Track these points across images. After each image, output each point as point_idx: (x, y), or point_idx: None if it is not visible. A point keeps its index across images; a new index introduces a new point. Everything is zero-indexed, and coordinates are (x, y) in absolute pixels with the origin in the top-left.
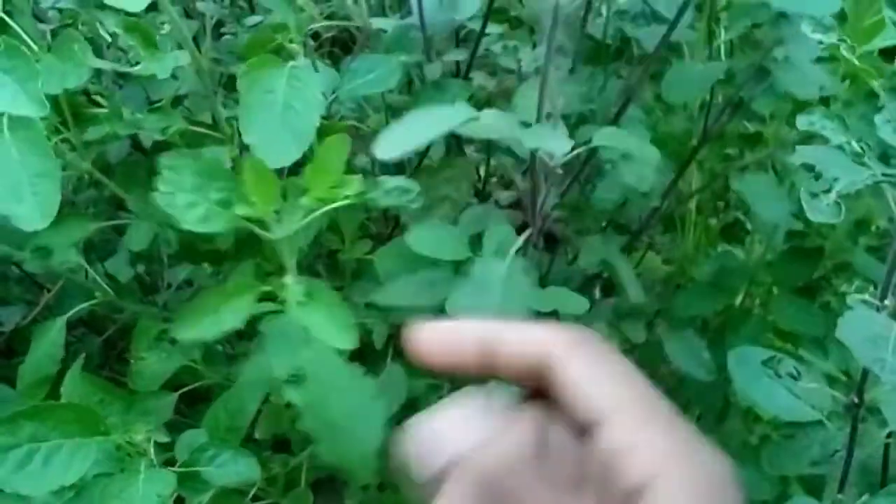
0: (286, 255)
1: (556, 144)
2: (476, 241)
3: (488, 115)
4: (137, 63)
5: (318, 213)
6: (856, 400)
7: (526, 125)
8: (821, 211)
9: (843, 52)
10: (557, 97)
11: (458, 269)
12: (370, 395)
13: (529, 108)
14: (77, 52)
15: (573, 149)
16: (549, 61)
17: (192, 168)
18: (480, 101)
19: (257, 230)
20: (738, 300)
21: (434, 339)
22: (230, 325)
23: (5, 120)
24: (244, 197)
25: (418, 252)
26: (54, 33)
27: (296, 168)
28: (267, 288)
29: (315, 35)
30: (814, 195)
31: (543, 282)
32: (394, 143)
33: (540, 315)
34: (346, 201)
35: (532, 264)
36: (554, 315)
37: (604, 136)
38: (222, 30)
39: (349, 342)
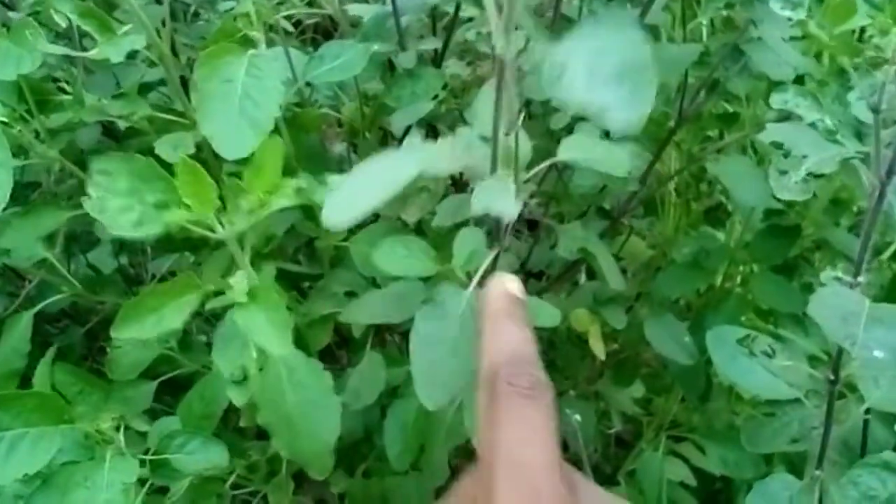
0: (236, 253)
1: (504, 205)
2: (451, 237)
3: (442, 147)
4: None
5: (262, 214)
6: (831, 377)
7: (484, 139)
8: (789, 189)
9: (813, 28)
10: (516, 104)
11: (427, 280)
12: (327, 390)
13: (487, 119)
14: (28, 38)
15: (540, 163)
16: (503, 72)
17: (126, 171)
18: (455, 90)
19: (201, 231)
20: (719, 280)
21: None
22: (172, 325)
23: None
24: (179, 200)
25: (385, 271)
26: None
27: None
28: (211, 287)
29: (297, 22)
30: (783, 172)
31: (525, 268)
32: (343, 208)
33: None
34: (285, 204)
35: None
36: None
37: (569, 148)
38: (200, 16)
39: (284, 346)
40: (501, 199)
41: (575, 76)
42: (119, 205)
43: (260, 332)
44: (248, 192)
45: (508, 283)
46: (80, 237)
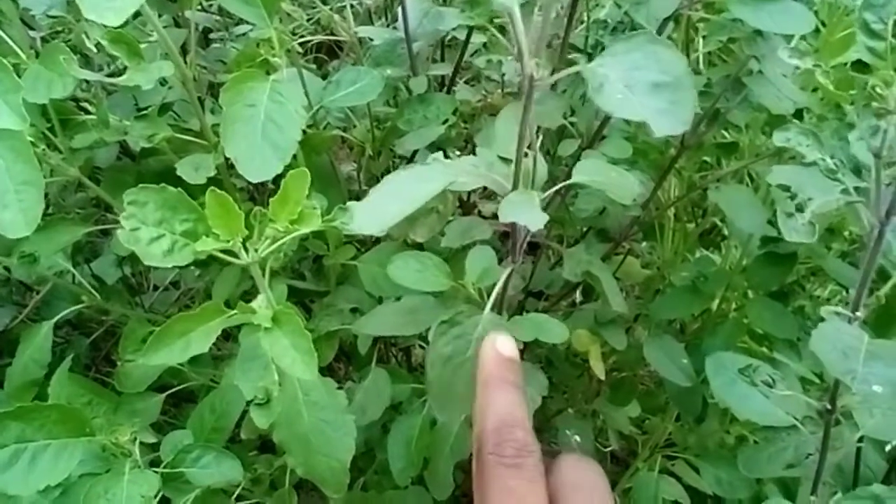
0: (258, 277)
1: (530, 217)
2: (461, 255)
3: (465, 164)
4: (123, 73)
5: (285, 239)
6: (829, 406)
7: (504, 160)
8: (797, 231)
9: (819, 77)
10: (536, 129)
11: (438, 296)
12: (341, 409)
13: (508, 142)
14: (62, 64)
15: (554, 183)
16: (532, 91)
17: (156, 201)
18: (465, 115)
19: (225, 257)
20: (715, 304)
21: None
22: (199, 350)
23: None
24: (208, 229)
25: (399, 284)
26: (45, 40)
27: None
28: (235, 313)
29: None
30: (790, 215)
31: (526, 288)
32: (373, 216)
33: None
34: (309, 230)
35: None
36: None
37: (583, 170)
38: (211, 36)
39: (310, 371)
40: (527, 211)
41: (613, 90)
42: (150, 235)
43: (285, 357)
44: (274, 221)
45: (500, 345)
46: (85, 248)
